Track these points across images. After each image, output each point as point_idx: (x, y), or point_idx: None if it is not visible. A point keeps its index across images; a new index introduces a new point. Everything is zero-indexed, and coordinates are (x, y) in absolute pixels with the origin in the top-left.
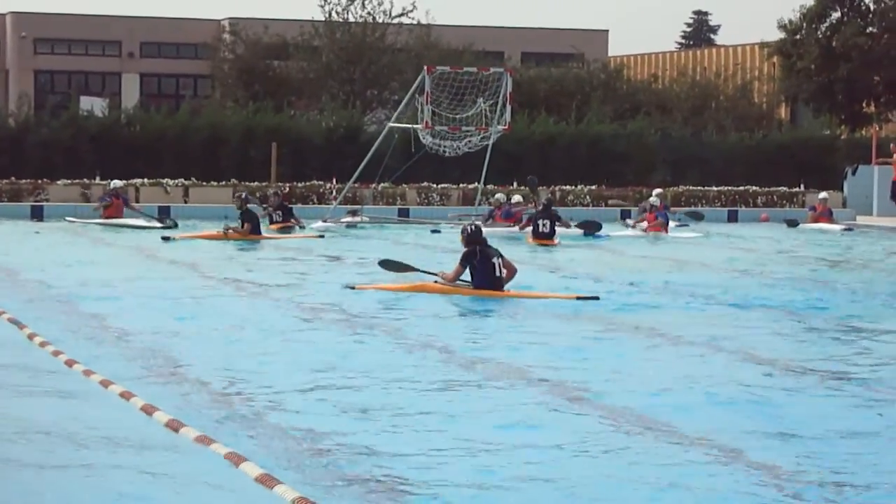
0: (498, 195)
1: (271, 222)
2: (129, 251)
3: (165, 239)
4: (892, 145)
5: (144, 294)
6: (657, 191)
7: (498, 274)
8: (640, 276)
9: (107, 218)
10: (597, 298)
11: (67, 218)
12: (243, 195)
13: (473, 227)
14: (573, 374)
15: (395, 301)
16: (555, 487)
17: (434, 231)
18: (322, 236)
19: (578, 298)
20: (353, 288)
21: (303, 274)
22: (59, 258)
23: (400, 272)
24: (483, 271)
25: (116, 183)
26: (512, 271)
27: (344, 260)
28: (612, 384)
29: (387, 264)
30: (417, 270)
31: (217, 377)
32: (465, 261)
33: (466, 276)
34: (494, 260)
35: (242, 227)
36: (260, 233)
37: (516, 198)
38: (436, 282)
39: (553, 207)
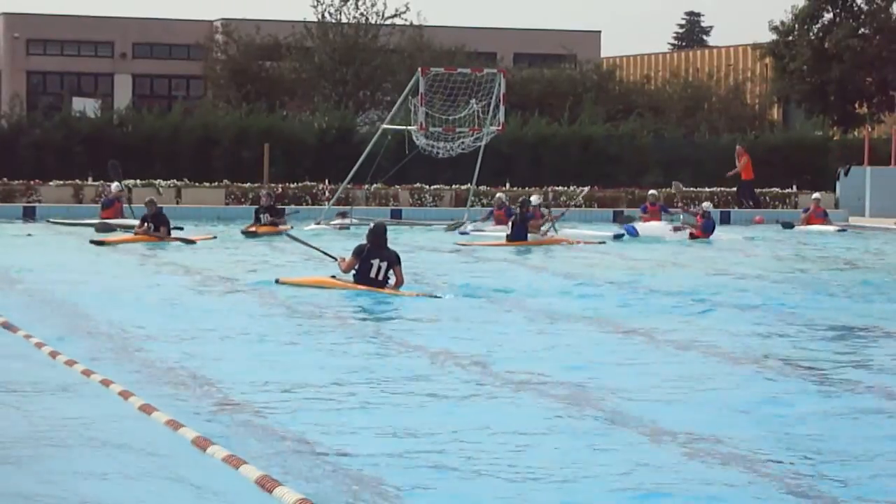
0: (499, 195)
1: (260, 224)
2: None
3: (95, 243)
4: (737, 147)
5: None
6: (652, 192)
7: (374, 275)
8: (634, 277)
9: (104, 219)
10: (438, 297)
11: (49, 219)
12: (154, 200)
13: (374, 224)
14: (565, 376)
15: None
16: (554, 490)
17: (463, 233)
18: (215, 237)
19: (420, 295)
20: (278, 281)
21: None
22: (47, 261)
23: (305, 247)
24: (361, 269)
25: (118, 186)
26: (399, 279)
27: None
28: (613, 385)
29: (294, 238)
30: (318, 250)
31: (202, 379)
32: (355, 253)
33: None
34: (374, 261)
35: (157, 230)
36: (170, 234)
37: (535, 198)
38: (333, 276)
39: (529, 208)
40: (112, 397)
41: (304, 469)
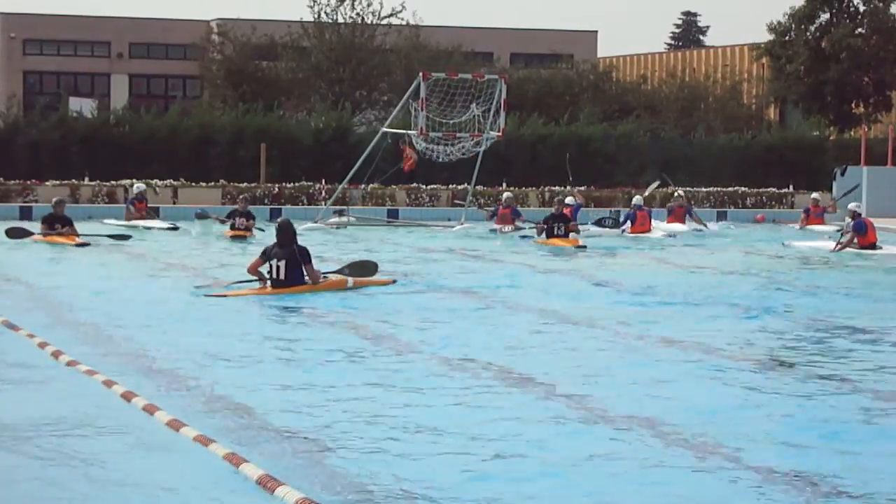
0: (506, 194)
1: (232, 227)
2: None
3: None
4: (401, 143)
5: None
6: (678, 192)
7: (275, 276)
8: (622, 276)
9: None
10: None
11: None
12: (62, 199)
13: (278, 222)
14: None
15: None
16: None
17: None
18: (129, 237)
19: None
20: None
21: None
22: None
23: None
24: (269, 269)
25: (140, 186)
26: (311, 276)
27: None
28: (605, 384)
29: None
30: (242, 281)
31: (203, 378)
32: (261, 254)
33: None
34: (273, 262)
35: (69, 228)
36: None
37: (570, 199)
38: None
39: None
40: (114, 398)
41: (305, 468)
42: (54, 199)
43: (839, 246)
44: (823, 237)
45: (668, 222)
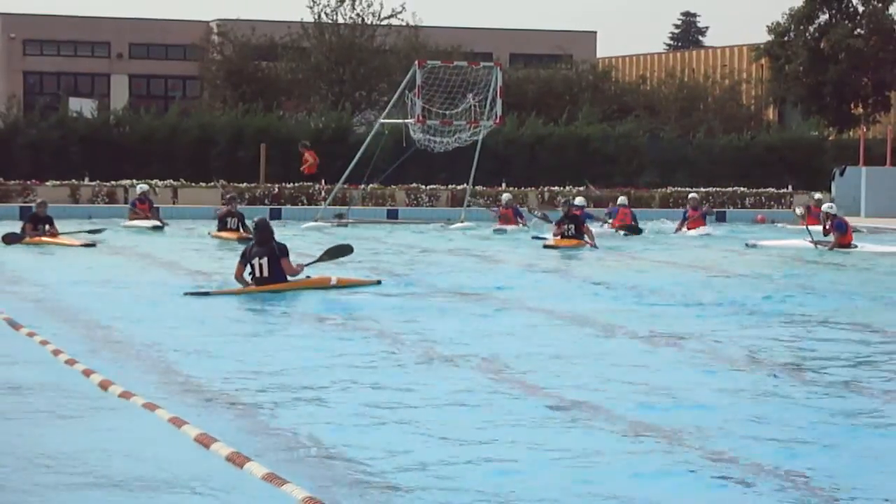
0: (505, 195)
1: (222, 228)
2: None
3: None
4: (300, 147)
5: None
6: (693, 195)
7: (258, 275)
8: (625, 276)
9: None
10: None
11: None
12: (44, 200)
13: (255, 222)
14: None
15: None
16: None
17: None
18: (104, 229)
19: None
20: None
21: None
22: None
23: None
24: (251, 270)
25: (143, 187)
26: (288, 270)
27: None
28: (603, 386)
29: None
30: (225, 292)
31: (207, 377)
32: (241, 257)
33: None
34: (254, 261)
35: (50, 227)
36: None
37: (579, 200)
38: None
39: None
40: (113, 399)
41: (308, 467)
42: (37, 200)
43: (826, 245)
44: (809, 237)
45: (689, 227)
